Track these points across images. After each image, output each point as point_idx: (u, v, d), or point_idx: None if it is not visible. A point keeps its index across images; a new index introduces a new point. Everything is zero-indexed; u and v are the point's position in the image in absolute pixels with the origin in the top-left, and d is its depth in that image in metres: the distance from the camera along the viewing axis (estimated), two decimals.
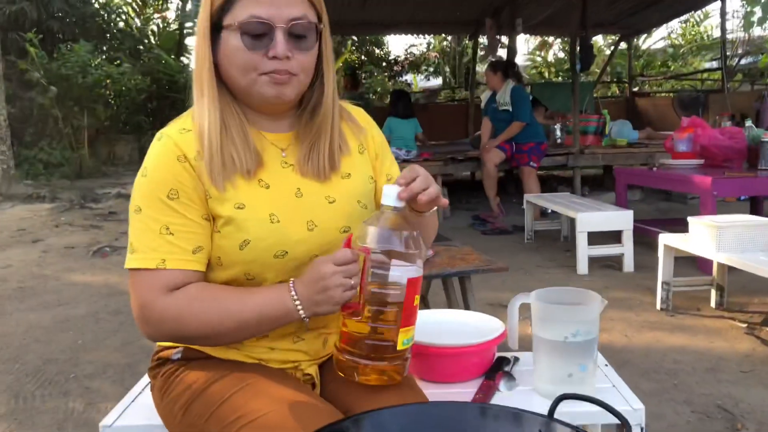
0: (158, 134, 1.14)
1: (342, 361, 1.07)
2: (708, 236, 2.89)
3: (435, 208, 1.13)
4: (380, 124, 6.76)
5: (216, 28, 1.10)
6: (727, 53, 9.72)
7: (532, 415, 0.81)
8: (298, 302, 1.04)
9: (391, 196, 1.05)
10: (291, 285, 1.05)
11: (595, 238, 4.21)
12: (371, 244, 1.03)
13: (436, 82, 18.76)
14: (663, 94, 12.82)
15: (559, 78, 16.29)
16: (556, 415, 1.13)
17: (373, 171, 1.27)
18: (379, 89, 16.96)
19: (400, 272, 1.03)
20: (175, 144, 1.10)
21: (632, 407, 1.35)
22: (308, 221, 1.14)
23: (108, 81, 13.27)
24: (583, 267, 4.13)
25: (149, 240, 1.07)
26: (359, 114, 1.30)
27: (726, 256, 2.82)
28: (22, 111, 11.95)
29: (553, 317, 1.37)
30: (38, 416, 2.38)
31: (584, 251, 4.12)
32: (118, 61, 14.17)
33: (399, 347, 1.05)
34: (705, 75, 13.49)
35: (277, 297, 1.06)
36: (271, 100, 1.12)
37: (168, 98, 13.91)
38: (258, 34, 1.07)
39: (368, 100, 9.74)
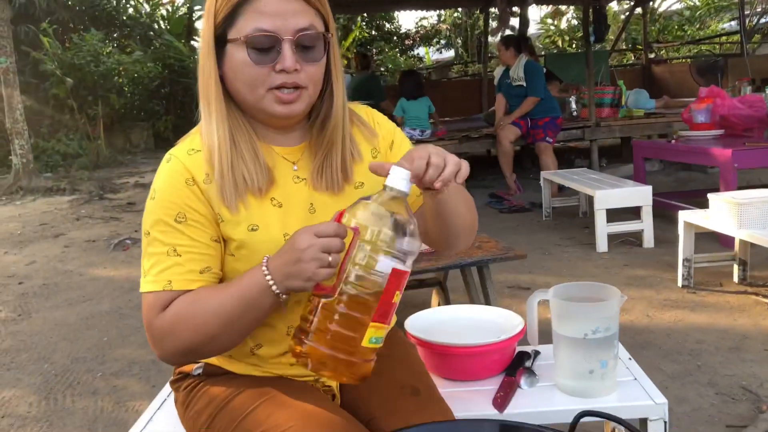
0: (167, 155, 1.12)
1: (299, 344, 0.97)
2: (729, 213, 2.85)
3: (459, 182, 1.03)
4: (394, 103, 6.75)
5: (220, 41, 1.07)
6: (746, 12, 9.48)
7: None
8: (269, 276, 0.98)
9: (397, 177, 0.96)
10: (265, 259, 1.01)
11: (613, 213, 4.17)
12: (364, 222, 0.95)
13: (449, 54, 18.57)
14: (680, 60, 12.57)
15: (573, 46, 16.05)
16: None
17: None
18: (390, 65, 16.84)
19: (387, 261, 0.95)
20: (184, 167, 1.09)
21: (654, 401, 1.34)
22: None
23: (121, 69, 13.31)
24: (602, 244, 4.10)
25: (158, 262, 1.07)
26: (368, 114, 1.27)
27: (748, 233, 2.78)
28: (37, 102, 12.05)
29: (572, 314, 1.36)
30: (69, 417, 2.43)
31: (603, 229, 4.09)
32: (129, 49, 14.20)
33: (364, 343, 0.96)
34: (723, 38, 13.19)
35: (251, 276, 1.01)
36: (280, 117, 1.10)
37: (180, 83, 13.94)
38: (264, 47, 1.04)
39: (379, 79, 9.66)
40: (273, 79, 1.06)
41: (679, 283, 3.32)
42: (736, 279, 3.31)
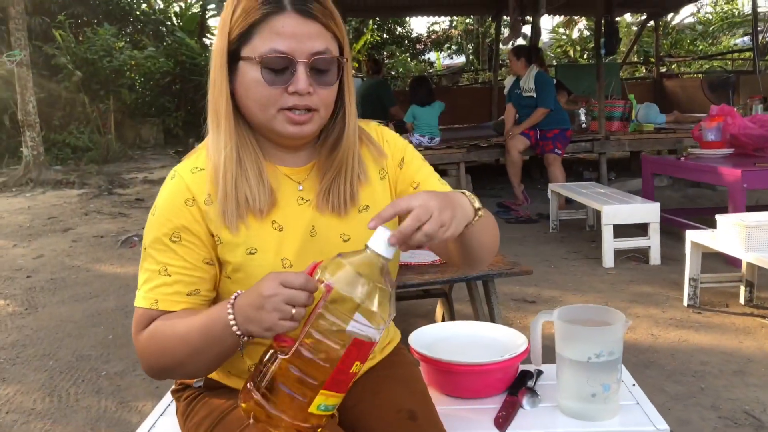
0: (172, 172, 1.13)
1: (247, 394, 0.94)
2: (736, 235, 2.84)
3: (478, 217, 1.01)
4: (403, 109, 6.75)
5: (233, 56, 1.06)
6: (759, 28, 9.47)
7: None
8: (232, 315, 0.95)
9: (380, 240, 0.91)
10: (234, 296, 0.98)
11: (621, 228, 4.17)
12: (336, 283, 0.89)
13: (460, 60, 18.59)
14: (692, 75, 12.55)
15: (585, 57, 16.04)
16: None
17: (394, 189, 1.23)
18: (401, 69, 16.87)
19: (350, 328, 0.89)
20: (186, 186, 1.09)
21: (656, 427, 1.34)
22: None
23: (132, 63, 13.40)
24: (608, 260, 4.09)
25: (149, 279, 1.08)
26: (378, 132, 1.25)
27: (755, 256, 2.77)
28: (49, 95, 12.13)
29: (576, 337, 1.36)
30: (72, 415, 2.45)
31: (610, 244, 4.09)
32: (142, 44, 14.28)
33: (311, 409, 0.91)
34: (735, 55, 13.17)
35: (218, 310, 0.99)
36: (290, 137, 1.10)
37: (191, 81, 14.00)
38: (278, 68, 1.03)
39: (389, 84, 9.67)
40: (285, 100, 1.05)
41: (685, 303, 3.31)
42: (742, 300, 3.30)
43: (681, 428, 2.15)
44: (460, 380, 1.48)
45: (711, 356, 2.71)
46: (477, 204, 1.03)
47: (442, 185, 1.24)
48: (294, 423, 0.91)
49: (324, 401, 0.91)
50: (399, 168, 1.24)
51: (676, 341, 2.89)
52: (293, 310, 0.89)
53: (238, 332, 0.95)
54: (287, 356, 0.90)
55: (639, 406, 1.43)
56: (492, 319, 2.63)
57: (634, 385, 1.51)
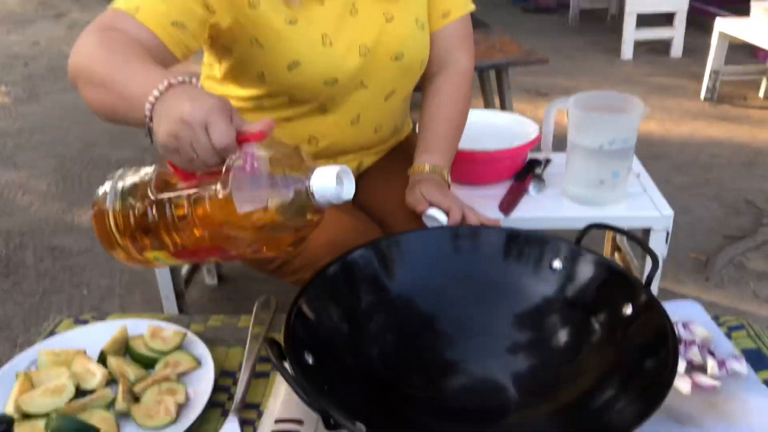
0: None
1: (101, 201, 0.77)
2: None
3: None
4: None
5: None
6: None
7: (559, 242, 0.81)
8: (157, 92, 0.72)
9: (326, 180, 0.69)
10: (182, 79, 0.74)
11: (644, 19, 3.92)
12: (235, 192, 0.67)
13: None
14: None
15: None
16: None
17: None
18: None
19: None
20: None
21: (661, 213, 1.36)
22: (361, 45, 1.05)
23: None
24: (628, 51, 3.91)
25: None
26: None
27: None
28: None
29: (590, 124, 1.32)
30: (86, 198, 2.52)
31: (631, 34, 3.88)
32: None
33: (148, 254, 0.77)
34: None
35: (155, 76, 0.75)
36: None
37: None
38: None
39: None
40: None
41: (702, 96, 3.22)
42: (762, 94, 3.20)
43: (681, 216, 2.20)
44: (468, 167, 1.46)
45: (722, 149, 2.69)
46: (449, 180, 1.14)
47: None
48: (128, 257, 0.78)
49: (163, 257, 0.77)
50: None
51: (689, 134, 2.85)
52: (195, 155, 0.69)
53: (148, 113, 0.74)
54: (155, 200, 0.73)
55: (646, 193, 1.43)
56: (503, 110, 2.58)
57: (638, 175, 1.50)
